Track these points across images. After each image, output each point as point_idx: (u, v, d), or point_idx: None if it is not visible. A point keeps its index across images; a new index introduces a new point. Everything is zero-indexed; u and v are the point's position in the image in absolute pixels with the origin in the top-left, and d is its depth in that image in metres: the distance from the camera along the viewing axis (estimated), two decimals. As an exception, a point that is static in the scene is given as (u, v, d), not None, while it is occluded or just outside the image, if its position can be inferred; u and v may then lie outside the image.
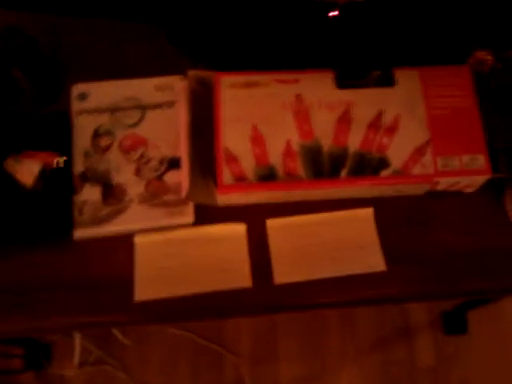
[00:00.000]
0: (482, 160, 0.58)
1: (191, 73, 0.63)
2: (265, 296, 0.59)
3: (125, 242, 0.60)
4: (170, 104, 0.66)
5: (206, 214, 0.62)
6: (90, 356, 1.14)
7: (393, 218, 0.62)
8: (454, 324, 1.13)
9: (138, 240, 0.61)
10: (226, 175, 0.58)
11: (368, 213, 0.62)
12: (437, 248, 0.61)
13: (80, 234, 0.60)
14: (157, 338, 1.16)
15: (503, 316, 1.14)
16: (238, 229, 0.62)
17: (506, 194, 0.62)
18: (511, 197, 0.61)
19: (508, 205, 0.61)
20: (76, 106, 0.65)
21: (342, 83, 0.61)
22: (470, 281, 0.60)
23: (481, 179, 0.59)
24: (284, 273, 0.60)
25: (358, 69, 0.61)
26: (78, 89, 0.66)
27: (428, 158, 0.58)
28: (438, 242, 0.61)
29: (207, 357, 1.15)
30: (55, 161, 0.62)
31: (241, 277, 0.60)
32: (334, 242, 0.61)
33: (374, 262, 0.60)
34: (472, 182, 0.59)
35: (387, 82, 0.61)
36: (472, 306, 1.07)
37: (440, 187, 0.60)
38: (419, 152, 0.58)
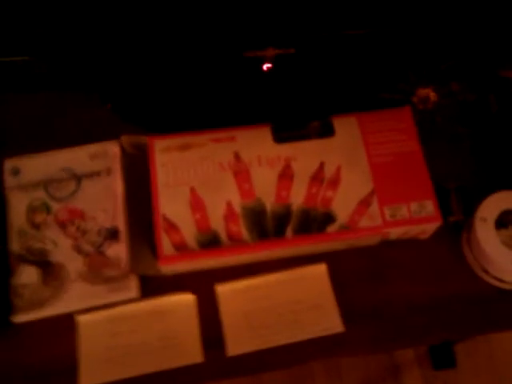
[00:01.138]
0: (430, 206, 0.55)
1: (124, 138, 0.61)
2: (218, 369, 0.55)
3: (68, 322, 0.57)
4: (106, 172, 0.62)
5: (152, 285, 0.58)
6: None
7: (348, 272, 0.58)
8: (442, 358, 1.09)
9: (81, 320, 0.57)
10: (166, 245, 0.55)
11: (321, 269, 0.59)
12: (396, 301, 0.57)
13: (20, 319, 0.56)
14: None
15: (491, 348, 1.10)
16: (186, 299, 0.58)
17: (463, 237, 0.59)
18: (468, 241, 0.58)
19: (465, 249, 0.59)
20: (9, 182, 0.62)
21: (281, 137, 0.58)
22: (432, 332, 0.56)
23: (432, 226, 0.56)
24: (237, 343, 0.56)
25: (295, 120, 0.59)
26: (9, 164, 0.63)
27: (374, 208, 0.55)
28: (397, 295, 0.57)
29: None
30: (-12, 245, 0.58)
31: (191, 352, 0.56)
32: (288, 303, 0.58)
33: (331, 323, 0.56)
34: (424, 229, 0.57)
35: (326, 131, 0.59)
36: (458, 340, 1.03)
37: (392, 237, 0.57)
38: (365, 203, 0.55)
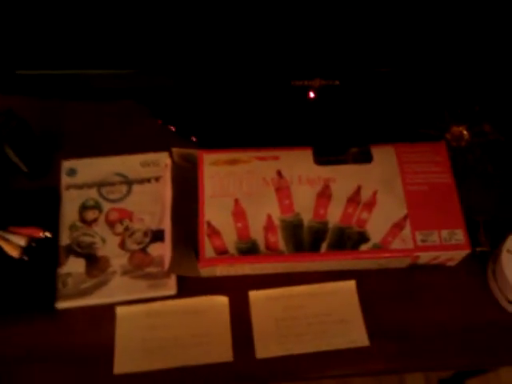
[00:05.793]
0: (460, 235, 0.58)
1: (175, 150, 0.65)
2: (246, 370, 0.58)
3: (107, 312, 0.61)
4: (155, 179, 0.68)
5: (189, 286, 0.62)
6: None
7: (376, 291, 0.62)
8: (452, 394, 1.09)
9: (120, 311, 0.61)
10: (208, 249, 0.58)
11: (350, 285, 0.62)
12: (420, 323, 0.60)
13: (63, 305, 0.60)
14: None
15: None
16: (221, 301, 0.62)
17: (489, 268, 0.62)
18: (493, 272, 0.60)
19: (491, 279, 0.61)
20: (65, 180, 0.67)
21: (321, 160, 0.63)
22: (453, 357, 0.59)
23: (461, 254, 0.59)
24: (266, 347, 0.59)
25: (336, 146, 0.63)
26: (67, 165, 0.68)
27: (407, 232, 0.59)
28: (421, 317, 0.60)
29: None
30: (42, 235, 0.63)
31: (222, 350, 0.59)
32: (317, 315, 0.61)
33: (357, 336, 0.59)
34: (452, 256, 0.60)
35: (364, 158, 0.63)
36: (470, 375, 1.03)
37: (421, 261, 0.60)
38: (398, 227, 0.59)
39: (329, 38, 0.59)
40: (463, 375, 1.07)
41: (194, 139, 0.69)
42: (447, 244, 0.58)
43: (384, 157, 0.63)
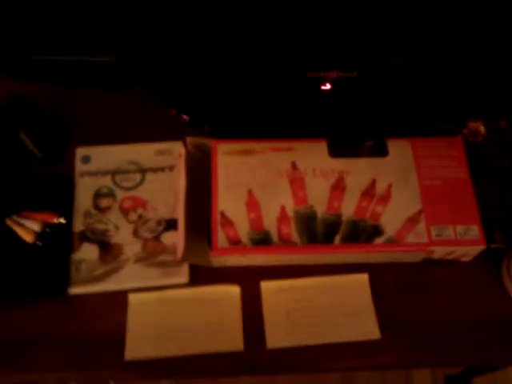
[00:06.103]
0: (476, 230, 0.58)
1: (189, 139, 0.65)
2: (256, 360, 0.58)
3: (119, 298, 0.61)
4: (169, 168, 0.68)
5: (201, 274, 0.62)
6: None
7: (388, 284, 0.61)
8: (459, 391, 1.09)
9: (132, 298, 0.61)
10: (221, 238, 0.59)
11: (363, 279, 0.62)
12: (432, 318, 0.60)
13: (76, 291, 0.61)
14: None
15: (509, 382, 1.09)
16: (232, 290, 0.62)
17: (503, 265, 0.61)
18: (508, 269, 0.60)
19: (505, 277, 0.61)
20: (79, 167, 0.68)
21: (336, 152, 0.62)
22: (465, 352, 0.58)
23: (475, 249, 0.59)
24: (277, 337, 0.59)
25: (351, 139, 0.63)
26: (81, 152, 0.69)
27: (422, 226, 0.58)
28: (434, 312, 0.60)
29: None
30: (55, 220, 0.63)
31: (233, 340, 0.59)
32: (329, 307, 0.61)
33: (368, 329, 0.59)
34: (467, 252, 0.59)
35: (380, 152, 0.62)
36: (478, 373, 1.03)
37: (435, 256, 0.60)
38: (412, 221, 0.59)
39: (346, 29, 0.58)
40: (470, 373, 1.06)
41: (208, 129, 0.69)
42: (462, 239, 0.58)
43: (400, 150, 0.63)
